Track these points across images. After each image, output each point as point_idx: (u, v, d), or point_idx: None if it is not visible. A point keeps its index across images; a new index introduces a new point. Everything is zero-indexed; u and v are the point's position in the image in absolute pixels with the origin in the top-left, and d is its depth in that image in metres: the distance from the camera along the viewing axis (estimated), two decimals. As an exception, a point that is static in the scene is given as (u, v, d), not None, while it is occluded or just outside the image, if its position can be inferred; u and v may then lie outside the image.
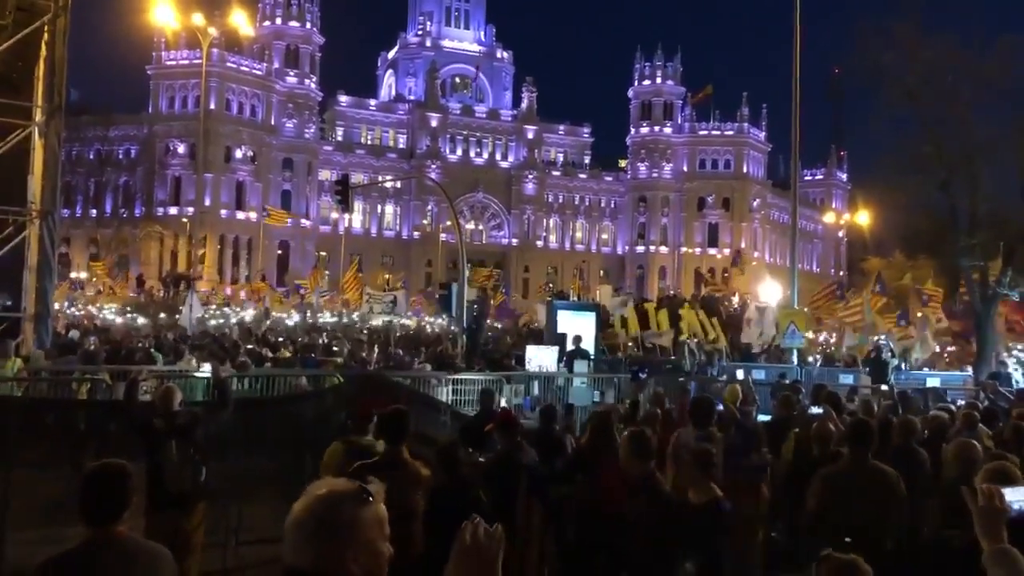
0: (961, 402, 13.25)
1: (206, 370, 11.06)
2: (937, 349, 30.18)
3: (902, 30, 26.15)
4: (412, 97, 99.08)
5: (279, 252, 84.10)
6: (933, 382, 22.71)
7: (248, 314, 34.28)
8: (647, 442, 5.94)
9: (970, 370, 25.61)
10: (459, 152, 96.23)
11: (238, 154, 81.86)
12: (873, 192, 41.16)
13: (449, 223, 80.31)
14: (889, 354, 23.09)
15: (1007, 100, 27.42)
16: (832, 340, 33.57)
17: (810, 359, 28.16)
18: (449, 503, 5.63)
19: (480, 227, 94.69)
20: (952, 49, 26.19)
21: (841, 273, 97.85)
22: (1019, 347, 28.73)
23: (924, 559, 5.51)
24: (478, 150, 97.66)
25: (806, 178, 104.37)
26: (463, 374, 13.98)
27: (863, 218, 46.89)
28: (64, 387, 12.81)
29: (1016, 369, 25.60)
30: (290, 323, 37.25)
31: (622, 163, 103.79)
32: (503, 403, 11.84)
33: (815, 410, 9.13)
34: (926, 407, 12.30)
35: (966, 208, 26.73)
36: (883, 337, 26.03)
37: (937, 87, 26.43)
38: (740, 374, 17.07)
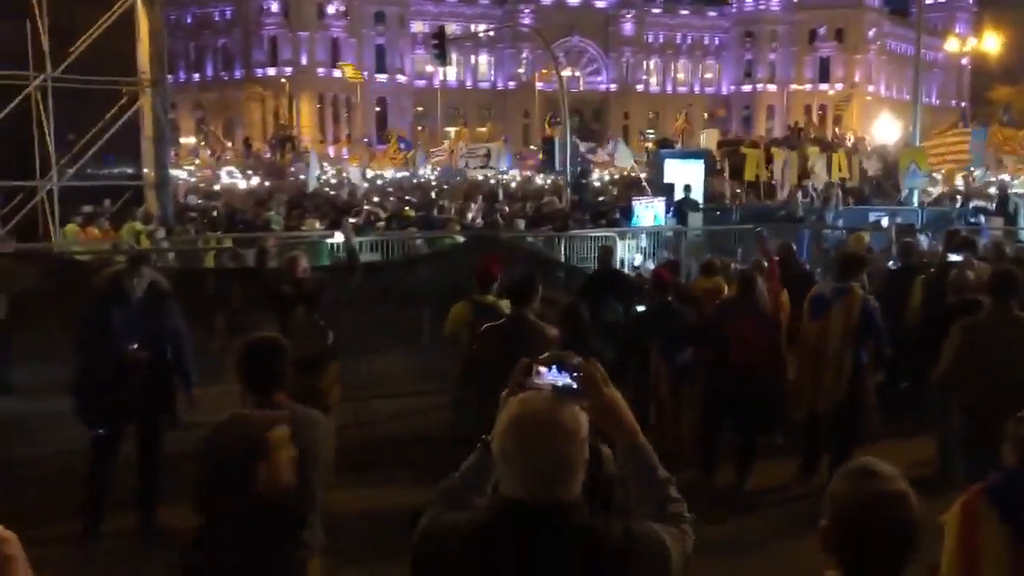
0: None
1: (331, 235, 11.41)
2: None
3: None
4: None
5: (377, 109, 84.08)
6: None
7: (353, 174, 34.86)
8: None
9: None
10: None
11: (331, 9, 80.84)
12: (1006, 13, 37.85)
13: (545, 71, 78.20)
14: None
15: None
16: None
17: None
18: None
19: (577, 73, 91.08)
20: None
21: (963, 104, 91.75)
22: None
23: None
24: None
25: (927, 2, 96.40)
26: (576, 230, 13.96)
27: (991, 43, 43.31)
28: (190, 256, 13.36)
29: None
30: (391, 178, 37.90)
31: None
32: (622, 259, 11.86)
33: (954, 257, 8.73)
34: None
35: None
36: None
37: None
38: (885, 222, 16.08)
